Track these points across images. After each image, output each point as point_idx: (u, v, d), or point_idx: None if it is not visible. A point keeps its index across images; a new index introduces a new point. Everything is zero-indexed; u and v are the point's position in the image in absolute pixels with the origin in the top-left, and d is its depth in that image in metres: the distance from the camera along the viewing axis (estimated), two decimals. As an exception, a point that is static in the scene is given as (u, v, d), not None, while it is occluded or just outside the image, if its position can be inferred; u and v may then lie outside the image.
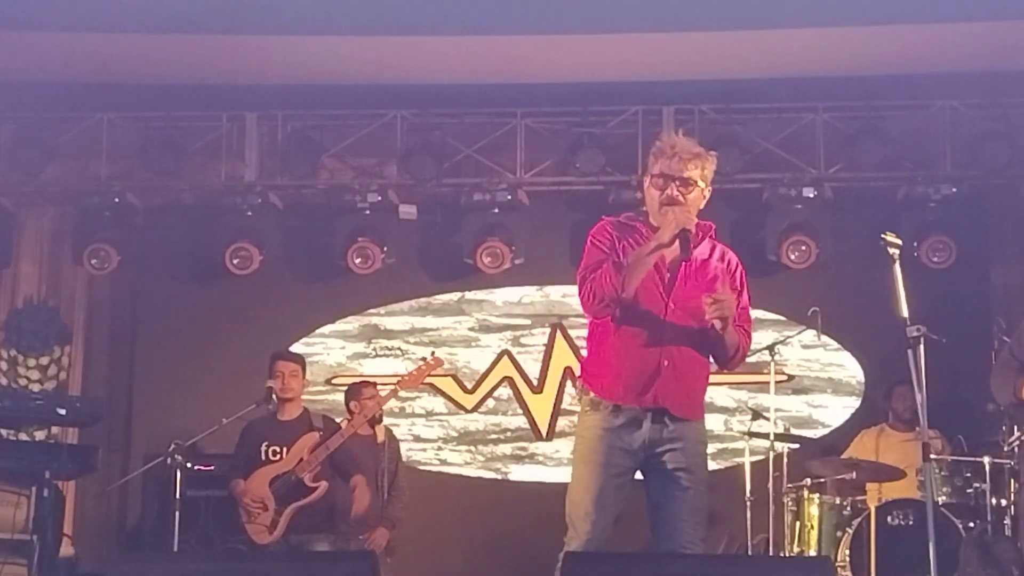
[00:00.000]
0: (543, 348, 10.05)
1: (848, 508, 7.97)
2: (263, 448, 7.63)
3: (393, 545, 8.20)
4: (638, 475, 5.10)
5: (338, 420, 8.02)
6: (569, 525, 5.00)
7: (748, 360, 8.85)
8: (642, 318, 4.90)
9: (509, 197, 9.53)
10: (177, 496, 7.48)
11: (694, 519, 4.97)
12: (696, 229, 4.92)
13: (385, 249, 9.59)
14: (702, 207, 5.03)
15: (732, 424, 9.77)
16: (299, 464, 7.51)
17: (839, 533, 7.91)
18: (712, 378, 9.97)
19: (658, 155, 4.96)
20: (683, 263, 4.93)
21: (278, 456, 7.60)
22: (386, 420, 9.73)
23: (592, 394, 5.00)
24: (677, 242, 4.84)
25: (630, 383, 4.91)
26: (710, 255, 5.07)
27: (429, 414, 10.04)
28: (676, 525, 4.96)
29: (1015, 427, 7.00)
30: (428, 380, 9.13)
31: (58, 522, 7.74)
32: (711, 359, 5.06)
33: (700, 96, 9.27)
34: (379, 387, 8.28)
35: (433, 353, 8.41)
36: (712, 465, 9.63)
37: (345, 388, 8.72)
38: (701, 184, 4.96)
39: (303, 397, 7.97)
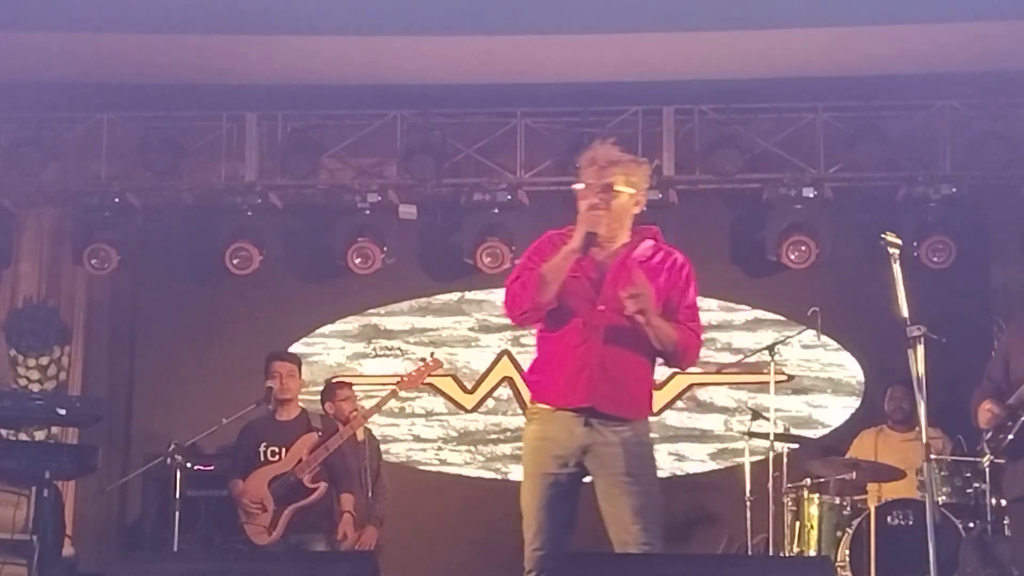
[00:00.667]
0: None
1: (848, 508, 7.98)
2: (261, 449, 7.63)
3: (381, 544, 8.20)
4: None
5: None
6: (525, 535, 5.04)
7: (748, 360, 9.04)
8: (572, 321, 4.96)
9: (509, 197, 9.53)
10: (177, 496, 7.47)
11: (644, 521, 4.92)
12: (636, 234, 5.06)
13: (385, 249, 9.59)
14: (636, 211, 5.12)
15: (732, 424, 9.77)
16: (298, 465, 7.52)
17: (839, 533, 7.91)
18: (712, 378, 10.14)
19: (582, 168, 5.06)
20: (615, 263, 5.01)
21: (276, 457, 7.61)
22: (386, 420, 9.79)
23: (530, 401, 5.10)
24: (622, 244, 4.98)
25: (560, 385, 4.96)
26: (650, 257, 5.10)
27: (429, 414, 10.04)
28: (627, 528, 4.95)
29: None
30: (428, 380, 9.14)
31: (59, 522, 7.75)
32: (662, 359, 5.06)
33: (700, 96, 9.27)
34: (375, 386, 8.28)
35: (432, 354, 8.42)
36: (712, 465, 9.82)
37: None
38: (628, 190, 5.03)
39: (303, 397, 7.97)
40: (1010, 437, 5.80)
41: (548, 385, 5.03)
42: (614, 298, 4.92)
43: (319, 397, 8.55)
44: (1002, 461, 6.16)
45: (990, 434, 5.91)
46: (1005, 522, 7.26)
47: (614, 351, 4.94)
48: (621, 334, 4.93)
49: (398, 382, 8.05)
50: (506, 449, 9.99)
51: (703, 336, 5.17)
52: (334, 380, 8.83)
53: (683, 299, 5.06)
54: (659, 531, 4.97)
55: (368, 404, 8.22)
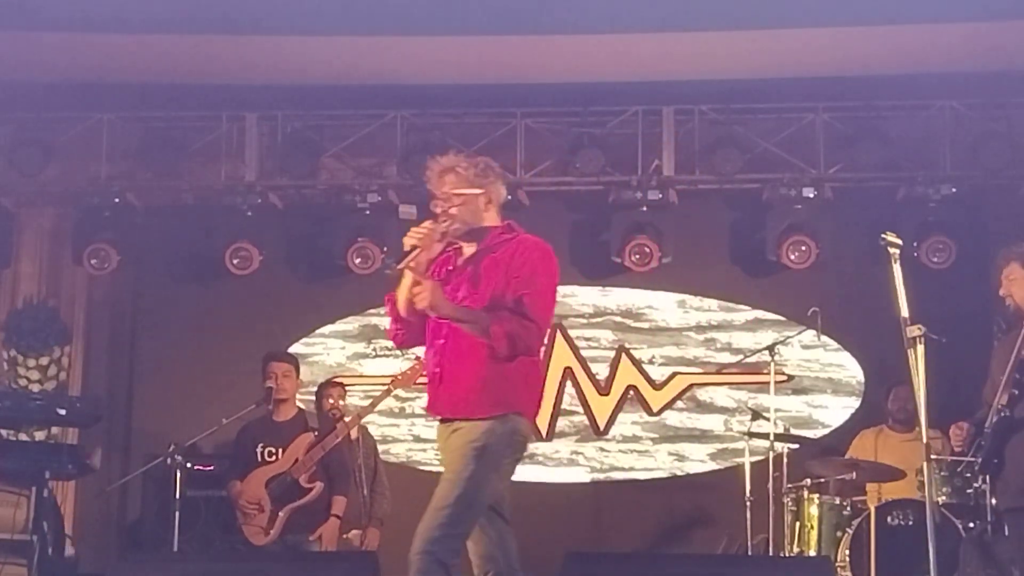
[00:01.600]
0: (543, 348, 10.02)
1: (848, 508, 7.97)
2: (258, 449, 7.63)
3: (381, 544, 8.19)
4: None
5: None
6: None
7: (748, 360, 9.04)
8: (430, 332, 5.08)
9: (509, 197, 9.46)
10: (177, 496, 7.48)
11: (432, 505, 4.83)
12: (493, 232, 5.08)
13: (385, 249, 9.57)
14: (491, 210, 5.16)
15: (732, 424, 9.77)
16: (295, 465, 7.51)
17: (839, 533, 7.90)
18: (712, 378, 10.14)
19: (430, 184, 5.16)
20: (452, 270, 5.07)
21: (273, 457, 7.60)
22: (386, 420, 9.78)
23: None
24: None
25: (428, 393, 5.08)
26: (494, 251, 5.08)
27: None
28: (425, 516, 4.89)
29: None
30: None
31: (59, 522, 7.75)
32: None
33: (700, 96, 9.27)
34: (371, 386, 8.26)
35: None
36: (712, 465, 9.82)
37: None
38: (471, 191, 5.08)
39: (303, 397, 7.97)
40: (978, 457, 5.91)
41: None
42: (454, 301, 4.99)
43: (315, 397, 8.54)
44: (978, 484, 6.26)
45: (970, 453, 6.00)
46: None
47: (455, 354, 4.96)
48: (461, 336, 4.95)
49: (392, 380, 8.03)
50: (506, 449, 9.97)
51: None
52: (328, 380, 8.83)
53: (519, 289, 4.96)
54: (441, 521, 4.79)
55: (364, 404, 8.21)
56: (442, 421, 5.04)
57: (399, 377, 8.07)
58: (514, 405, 4.95)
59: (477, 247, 5.09)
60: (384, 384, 8.11)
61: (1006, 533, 6.40)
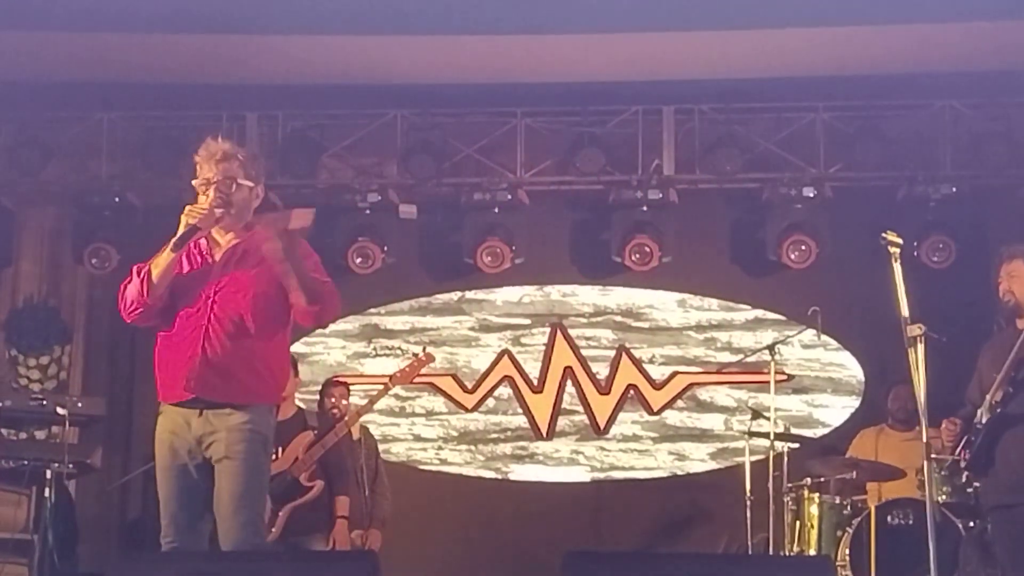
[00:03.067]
0: (543, 348, 10.06)
1: (848, 508, 7.98)
2: (258, 448, 7.61)
3: (381, 543, 8.20)
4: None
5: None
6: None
7: (748, 360, 9.04)
8: (188, 316, 5.02)
9: (509, 197, 9.53)
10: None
11: (235, 504, 4.91)
12: (251, 226, 5.06)
13: (385, 249, 9.59)
14: (256, 204, 5.14)
15: (732, 424, 9.78)
16: (294, 464, 7.51)
17: (839, 533, 7.90)
18: (712, 378, 10.14)
19: (199, 162, 5.10)
20: (223, 256, 5.05)
21: (273, 456, 7.59)
22: (386, 420, 9.78)
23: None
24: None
25: (171, 379, 5.01)
26: (253, 240, 5.09)
27: (429, 414, 10.04)
28: (222, 515, 4.92)
29: None
30: (428, 380, 9.12)
31: (71, 522, 7.75)
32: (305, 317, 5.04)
33: (700, 96, 9.27)
34: (372, 385, 8.25)
35: (424, 349, 8.40)
36: (712, 465, 9.82)
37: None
38: (247, 183, 5.06)
39: (303, 397, 7.96)
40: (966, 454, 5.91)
41: (162, 382, 5.06)
42: (223, 292, 4.99)
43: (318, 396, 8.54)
44: (978, 484, 6.27)
45: (958, 451, 6.01)
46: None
47: (223, 343, 4.96)
48: (233, 323, 4.97)
49: (390, 378, 8.03)
50: (506, 448, 9.99)
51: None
52: (331, 379, 8.82)
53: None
54: (249, 517, 4.93)
55: (363, 403, 8.21)
56: (192, 405, 4.98)
57: (397, 375, 8.08)
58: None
59: (237, 239, 5.08)
60: (383, 382, 8.11)
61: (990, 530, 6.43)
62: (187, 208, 5.00)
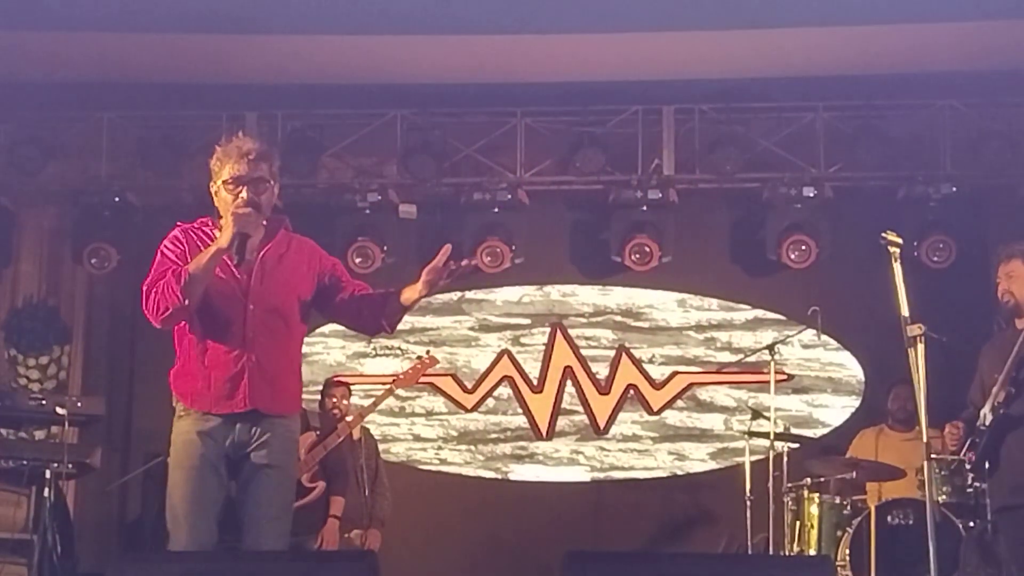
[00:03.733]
0: (543, 348, 10.06)
1: (848, 508, 7.97)
2: (259, 449, 7.61)
3: (382, 546, 8.19)
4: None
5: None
6: (170, 530, 4.96)
7: (748, 359, 9.04)
8: (224, 323, 4.86)
9: (509, 197, 9.53)
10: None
11: (275, 512, 4.92)
12: (269, 225, 4.97)
13: (385, 248, 9.58)
14: (276, 203, 5.10)
15: (732, 424, 9.78)
16: (296, 464, 7.50)
17: (839, 532, 7.90)
18: (712, 378, 10.15)
19: (225, 159, 4.95)
20: (258, 261, 4.92)
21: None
22: (386, 420, 9.79)
23: (182, 404, 4.95)
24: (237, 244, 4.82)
25: (218, 390, 4.86)
26: (287, 248, 5.04)
27: (429, 413, 10.04)
28: (258, 520, 4.90)
29: None
30: (428, 380, 9.11)
31: (66, 522, 7.74)
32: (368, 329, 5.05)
33: (700, 96, 9.27)
34: (373, 385, 8.25)
35: (428, 352, 8.40)
36: (712, 465, 9.83)
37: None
38: (272, 182, 5.01)
39: (305, 396, 7.94)
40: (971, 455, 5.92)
41: (203, 390, 4.87)
42: (265, 296, 4.89)
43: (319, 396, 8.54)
44: (979, 484, 6.27)
45: (963, 453, 6.01)
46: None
47: (269, 350, 4.88)
48: (275, 332, 4.90)
49: (394, 380, 8.03)
50: (506, 448, 9.99)
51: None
52: (332, 379, 8.82)
53: (338, 270, 5.06)
54: (284, 529, 4.98)
55: (365, 404, 8.21)
56: (235, 415, 4.87)
57: (401, 376, 8.08)
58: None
59: (266, 238, 4.97)
60: (385, 384, 8.11)
61: (996, 532, 6.42)
62: (233, 211, 4.80)
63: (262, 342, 4.86)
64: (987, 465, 5.96)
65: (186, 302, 4.74)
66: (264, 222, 4.96)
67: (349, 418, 7.93)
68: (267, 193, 4.96)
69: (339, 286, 5.04)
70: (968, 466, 6.10)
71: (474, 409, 10.04)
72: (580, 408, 9.99)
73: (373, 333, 5.06)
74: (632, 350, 10.00)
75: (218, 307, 4.85)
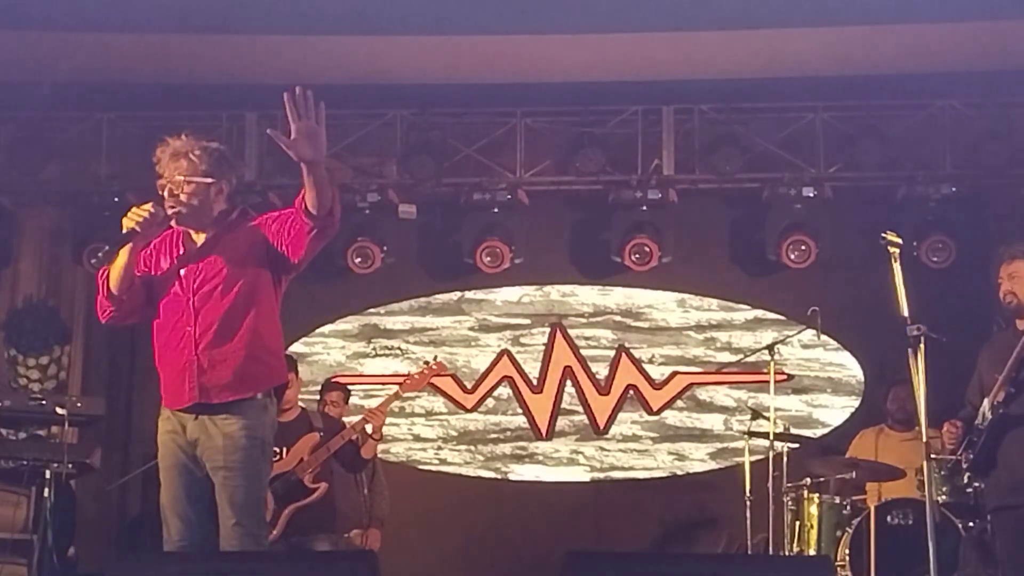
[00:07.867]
0: (543, 348, 10.06)
1: (848, 508, 7.97)
2: (262, 449, 7.61)
3: (381, 543, 8.19)
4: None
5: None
6: (164, 528, 5.01)
7: (748, 360, 9.04)
8: (171, 319, 4.96)
9: (509, 197, 9.53)
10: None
11: (235, 515, 4.84)
12: (218, 218, 5.01)
13: (385, 249, 9.59)
14: (212, 196, 5.03)
15: (732, 424, 9.78)
16: (299, 464, 7.51)
17: (839, 533, 7.90)
18: (712, 378, 10.15)
19: (158, 162, 5.04)
20: (198, 255, 4.98)
21: (277, 456, 7.58)
22: (386, 420, 9.76)
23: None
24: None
25: (172, 387, 4.95)
26: (230, 234, 5.04)
27: (429, 414, 10.04)
28: (222, 524, 4.86)
29: None
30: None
31: (69, 521, 7.74)
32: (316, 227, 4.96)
33: (700, 96, 9.27)
34: (376, 386, 8.25)
35: (436, 358, 8.38)
36: (712, 465, 9.83)
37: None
38: (204, 180, 4.99)
39: (303, 397, 7.95)
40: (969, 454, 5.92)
41: (164, 387, 4.99)
42: (203, 283, 4.93)
43: (318, 396, 8.55)
44: (978, 484, 6.27)
45: (959, 452, 6.01)
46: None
47: (216, 341, 4.90)
48: (219, 318, 4.92)
49: (401, 384, 8.03)
50: (506, 448, 10.00)
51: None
52: (329, 381, 8.82)
53: (273, 222, 5.03)
54: (254, 527, 4.90)
55: (369, 405, 8.20)
56: (190, 410, 4.91)
57: (407, 381, 8.06)
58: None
59: (211, 232, 5.01)
60: (392, 385, 8.09)
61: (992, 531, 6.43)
62: (130, 210, 4.87)
63: (207, 333, 4.90)
64: (984, 464, 5.96)
65: (110, 304, 4.92)
66: (215, 216, 5.01)
67: (355, 419, 7.94)
68: (190, 189, 4.96)
69: (285, 232, 4.99)
70: (964, 465, 6.09)
71: (474, 409, 10.04)
72: (580, 408, 9.99)
73: (319, 231, 5.02)
74: (632, 350, 10.00)
75: (165, 304, 4.97)
